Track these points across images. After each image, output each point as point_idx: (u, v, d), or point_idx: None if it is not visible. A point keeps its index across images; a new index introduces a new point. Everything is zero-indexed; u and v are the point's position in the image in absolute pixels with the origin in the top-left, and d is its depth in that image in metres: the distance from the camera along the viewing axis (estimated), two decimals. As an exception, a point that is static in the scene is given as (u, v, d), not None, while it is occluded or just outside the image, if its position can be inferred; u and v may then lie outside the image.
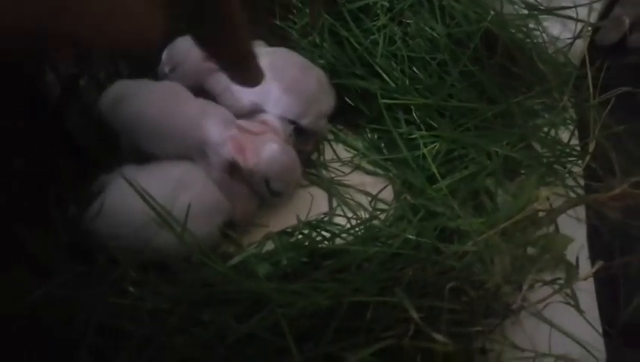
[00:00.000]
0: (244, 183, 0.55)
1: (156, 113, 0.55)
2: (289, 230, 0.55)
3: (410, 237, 0.49)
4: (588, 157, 0.53)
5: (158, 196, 0.51)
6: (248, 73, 0.38)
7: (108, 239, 0.52)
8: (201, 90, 0.59)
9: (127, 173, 0.55)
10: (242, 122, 0.56)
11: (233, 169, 0.54)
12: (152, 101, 0.55)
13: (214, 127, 0.54)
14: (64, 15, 0.24)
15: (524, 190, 0.52)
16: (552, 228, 0.50)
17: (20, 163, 0.52)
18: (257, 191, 0.56)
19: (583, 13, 0.67)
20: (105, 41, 0.26)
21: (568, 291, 0.48)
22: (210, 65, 0.57)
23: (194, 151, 0.55)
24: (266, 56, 0.58)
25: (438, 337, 0.36)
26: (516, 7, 0.68)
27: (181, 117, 0.55)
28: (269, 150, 0.55)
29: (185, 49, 0.58)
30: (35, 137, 0.55)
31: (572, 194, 0.58)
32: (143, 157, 0.56)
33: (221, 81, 0.58)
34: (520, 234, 0.50)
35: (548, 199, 0.51)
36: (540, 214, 0.52)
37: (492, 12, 0.66)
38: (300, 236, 0.54)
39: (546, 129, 0.58)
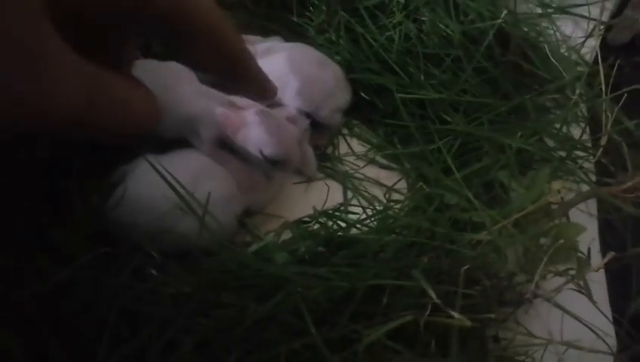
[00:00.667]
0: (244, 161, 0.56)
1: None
2: (306, 219, 0.56)
3: (425, 225, 0.50)
4: (600, 151, 0.54)
5: (180, 183, 0.53)
6: (264, 93, 0.48)
7: (129, 226, 0.53)
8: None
9: (145, 160, 0.56)
10: (232, 97, 0.57)
11: (225, 144, 0.55)
12: (152, 81, 0.56)
13: (204, 104, 0.55)
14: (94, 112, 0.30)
15: (537, 182, 0.53)
16: (564, 220, 0.51)
17: (41, 153, 0.54)
18: (258, 165, 0.56)
19: (594, 12, 0.69)
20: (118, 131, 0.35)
21: (580, 282, 0.48)
22: None
23: (187, 130, 0.56)
24: (284, 50, 0.59)
25: (455, 314, 0.37)
26: (530, 5, 0.69)
27: (175, 95, 0.55)
28: (251, 117, 0.55)
29: None
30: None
31: (584, 188, 0.59)
32: (159, 144, 0.58)
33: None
34: (532, 225, 0.51)
35: (559, 192, 0.52)
36: (553, 206, 0.53)
37: (505, 10, 0.68)
38: (317, 225, 0.55)
39: (558, 125, 0.59)
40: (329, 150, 0.67)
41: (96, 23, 0.33)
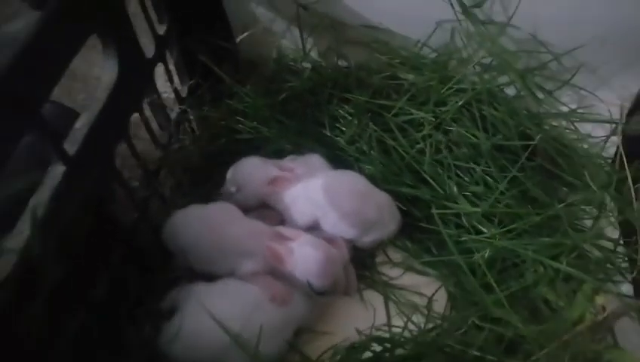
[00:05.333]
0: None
1: (205, 240, 0.59)
2: (356, 345, 0.57)
3: (476, 354, 0.51)
4: (638, 266, 0.55)
5: (233, 316, 0.55)
6: None
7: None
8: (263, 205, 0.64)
9: (198, 290, 0.58)
10: (280, 228, 0.60)
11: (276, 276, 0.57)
12: (201, 229, 0.60)
13: (253, 241, 0.58)
14: None
15: (580, 299, 0.54)
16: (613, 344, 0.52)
17: (100, 291, 0.55)
18: (305, 293, 0.58)
19: (613, 110, 0.71)
20: None
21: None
22: (272, 188, 0.62)
23: (235, 265, 0.59)
24: (324, 178, 0.62)
25: None
26: (545, 107, 0.72)
27: (228, 238, 0.59)
28: (301, 252, 0.57)
29: (248, 172, 0.62)
30: (112, 258, 0.59)
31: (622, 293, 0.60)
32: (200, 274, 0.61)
33: (283, 200, 0.62)
34: (580, 345, 0.51)
35: (604, 309, 0.53)
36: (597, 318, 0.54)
37: (525, 111, 0.71)
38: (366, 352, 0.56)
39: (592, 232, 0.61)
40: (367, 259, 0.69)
41: None
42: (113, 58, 0.52)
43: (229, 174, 0.64)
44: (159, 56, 0.63)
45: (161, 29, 0.63)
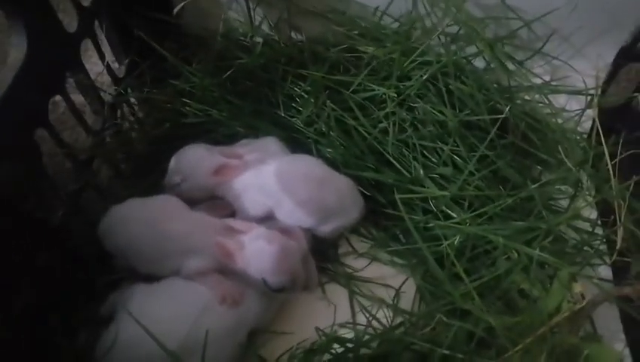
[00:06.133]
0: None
1: (145, 238, 0.53)
2: (315, 346, 0.52)
3: (445, 352, 0.46)
4: (616, 252, 0.51)
5: (179, 320, 0.49)
6: None
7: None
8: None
9: (141, 293, 0.52)
10: (230, 221, 0.54)
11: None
12: (140, 226, 0.53)
13: (198, 237, 0.53)
14: None
15: (557, 287, 0.50)
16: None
17: (25, 295, 0.49)
18: (261, 290, 0.52)
19: (588, 81, 0.67)
20: None
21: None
22: (218, 178, 0.56)
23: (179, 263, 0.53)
24: (277, 163, 0.56)
25: None
26: (518, 79, 0.67)
27: (171, 235, 0.53)
28: (254, 247, 0.51)
29: (191, 162, 0.56)
30: (39, 261, 0.52)
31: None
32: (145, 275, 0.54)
33: (232, 190, 0.56)
34: (558, 339, 0.47)
35: (583, 296, 0.49)
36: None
37: (496, 85, 0.66)
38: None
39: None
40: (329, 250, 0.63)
41: None
42: (20, 33, 0.45)
43: (172, 164, 0.58)
44: (85, 31, 0.56)
45: (86, 0, 0.56)
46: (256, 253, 0.50)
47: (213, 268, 0.52)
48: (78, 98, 0.59)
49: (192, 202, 0.57)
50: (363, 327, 0.55)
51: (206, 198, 0.58)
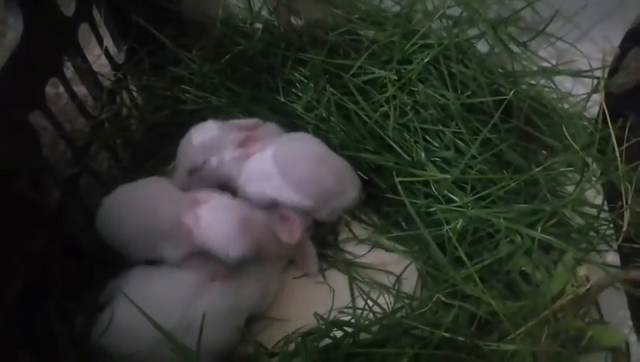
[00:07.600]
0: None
1: (137, 223, 0.52)
2: (312, 331, 0.51)
3: (446, 335, 0.45)
4: (622, 235, 0.49)
5: (175, 303, 0.49)
6: None
7: (118, 357, 0.48)
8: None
9: (137, 277, 0.52)
10: (196, 193, 0.53)
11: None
12: (130, 214, 0.52)
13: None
14: None
15: (561, 271, 0.48)
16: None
17: (18, 282, 0.48)
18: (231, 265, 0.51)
19: (594, 64, 0.65)
20: None
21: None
22: (246, 150, 0.55)
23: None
24: (275, 146, 0.55)
25: None
26: (524, 63, 0.65)
27: (161, 218, 0.51)
28: (209, 219, 0.50)
29: (219, 135, 0.55)
30: (34, 246, 0.52)
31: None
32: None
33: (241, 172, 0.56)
34: (562, 320, 0.46)
35: (588, 279, 0.48)
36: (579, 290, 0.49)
37: (500, 70, 0.64)
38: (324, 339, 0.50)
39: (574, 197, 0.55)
40: (329, 236, 0.62)
41: None
42: (16, 14, 0.45)
43: (189, 144, 0.56)
44: (83, 15, 0.56)
45: (83, -17, 0.55)
46: (211, 224, 0.49)
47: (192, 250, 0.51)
48: (80, 90, 0.59)
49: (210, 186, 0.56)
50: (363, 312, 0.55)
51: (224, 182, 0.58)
